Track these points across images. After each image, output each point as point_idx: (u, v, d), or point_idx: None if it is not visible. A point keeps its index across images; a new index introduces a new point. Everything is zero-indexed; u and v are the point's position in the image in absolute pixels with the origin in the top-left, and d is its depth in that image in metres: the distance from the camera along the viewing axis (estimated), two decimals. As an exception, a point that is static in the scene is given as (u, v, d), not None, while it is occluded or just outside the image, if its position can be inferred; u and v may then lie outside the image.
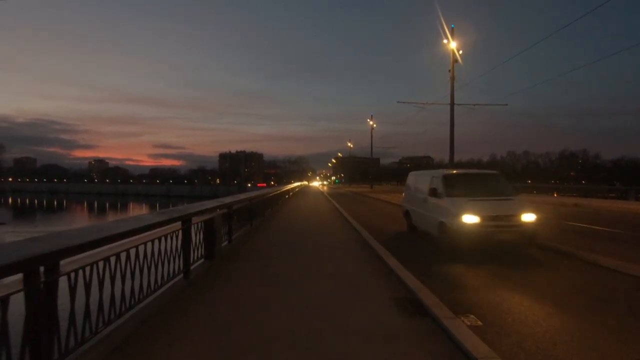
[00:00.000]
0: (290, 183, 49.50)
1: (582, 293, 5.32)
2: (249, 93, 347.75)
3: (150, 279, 4.10)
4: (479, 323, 4.05)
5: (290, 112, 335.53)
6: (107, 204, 68.92)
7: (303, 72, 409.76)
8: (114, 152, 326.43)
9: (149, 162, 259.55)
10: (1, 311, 2.11)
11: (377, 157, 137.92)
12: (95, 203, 72.21)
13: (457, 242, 7.62)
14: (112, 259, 3.34)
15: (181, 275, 5.08)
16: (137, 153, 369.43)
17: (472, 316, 4.24)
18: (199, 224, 6.07)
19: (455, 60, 20.98)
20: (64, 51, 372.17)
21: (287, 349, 3.32)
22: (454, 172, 9.84)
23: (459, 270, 6.55)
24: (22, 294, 2.28)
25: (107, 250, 3.26)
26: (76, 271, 2.80)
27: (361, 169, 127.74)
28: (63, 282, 2.68)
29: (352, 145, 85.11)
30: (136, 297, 3.79)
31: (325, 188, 69.13)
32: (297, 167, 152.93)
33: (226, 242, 7.93)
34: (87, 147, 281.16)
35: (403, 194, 12.29)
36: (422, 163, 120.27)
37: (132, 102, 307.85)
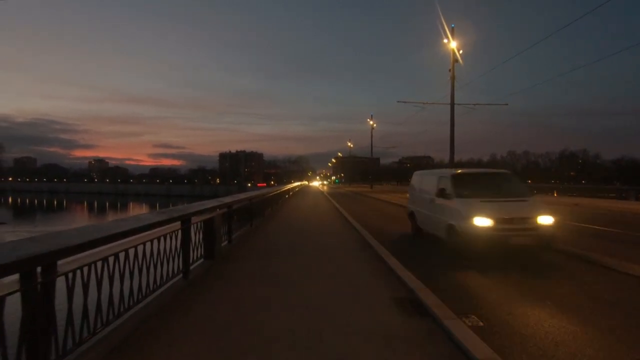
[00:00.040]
0: (290, 183, 49.47)
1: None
2: (249, 93, 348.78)
3: (149, 279, 4.07)
4: (481, 324, 4.03)
5: (290, 112, 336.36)
6: (107, 204, 68.87)
7: (303, 72, 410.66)
8: (114, 151, 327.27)
9: (149, 162, 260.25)
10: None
11: (377, 157, 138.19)
12: (95, 203, 72.16)
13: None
14: (111, 259, 3.31)
15: (180, 275, 5.05)
16: (137, 153, 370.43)
17: (473, 317, 4.21)
18: (199, 224, 6.05)
19: (456, 60, 20.94)
20: (64, 51, 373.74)
21: (287, 349, 3.30)
22: (464, 171, 9.26)
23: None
24: (19, 294, 2.26)
25: (105, 250, 3.23)
26: (74, 271, 2.77)
27: (361, 169, 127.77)
28: (61, 282, 2.65)
29: (352, 145, 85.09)
30: (135, 297, 3.77)
31: (325, 188, 69.07)
32: (297, 167, 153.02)
33: (226, 242, 7.91)
34: (87, 146, 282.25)
35: (407, 195, 12.07)
36: (422, 163, 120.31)
37: (132, 102, 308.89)
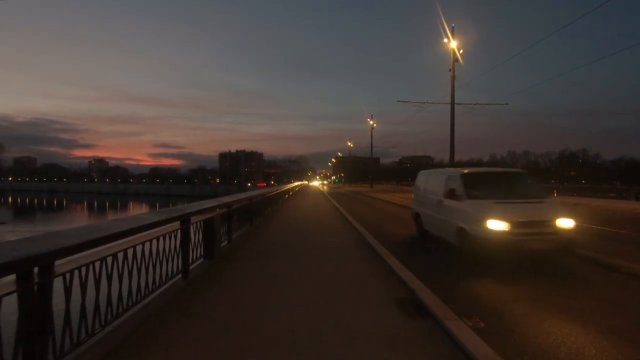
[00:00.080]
0: (290, 182, 49.48)
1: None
2: (249, 93, 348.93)
3: (148, 279, 4.05)
4: (482, 325, 4.01)
5: (290, 112, 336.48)
6: (107, 204, 68.89)
7: (303, 72, 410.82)
8: (114, 151, 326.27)
9: (149, 162, 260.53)
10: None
11: (377, 157, 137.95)
12: (95, 202, 72.17)
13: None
14: (109, 259, 3.28)
15: (180, 276, 5.03)
16: (137, 152, 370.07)
17: (475, 318, 4.19)
18: (198, 224, 6.02)
19: (456, 60, 20.91)
20: (64, 51, 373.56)
21: (287, 350, 3.28)
22: (474, 170, 8.79)
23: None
24: (15, 295, 2.23)
25: (104, 250, 3.21)
26: (72, 272, 2.75)
27: (361, 169, 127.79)
28: (58, 282, 2.63)
29: (352, 145, 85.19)
30: (134, 297, 3.74)
31: (325, 187, 69.07)
32: (297, 167, 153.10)
33: (226, 242, 7.88)
34: (87, 146, 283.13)
35: (408, 194, 11.96)
36: (422, 163, 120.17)
37: (132, 102, 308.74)
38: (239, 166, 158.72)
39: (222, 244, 7.28)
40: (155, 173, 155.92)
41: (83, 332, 2.88)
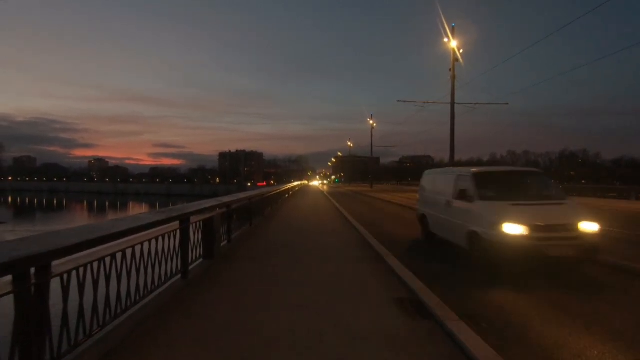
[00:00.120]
0: (290, 182, 49.45)
1: None
2: (249, 93, 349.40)
3: (147, 280, 4.03)
4: (483, 325, 3.99)
5: (290, 112, 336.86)
6: (107, 203, 68.82)
7: (303, 72, 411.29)
8: (114, 151, 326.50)
9: (148, 161, 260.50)
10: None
11: (377, 157, 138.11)
12: (95, 202, 72.13)
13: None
14: (108, 259, 3.26)
15: (179, 276, 5.01)
16: (137, 152, 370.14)
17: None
18: (198, 224, 6.00)
19: (456, 60, 20.87)
20: (64, 51, 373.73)
21: (287, 350, 3.26)
22: (487, 169, 8.31)
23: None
24: (11, 296, 2.21)
25: (102, 250, 3.19)
26: (69, 272, 2.72)
27: (361, 168, 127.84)
28: (56, 283, 2.60)
29: (352, 145, 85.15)
30: (132, 298, 3.72)
31: (325, 187, 69.03)
32: (297, 167, 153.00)
33: (225, 242, 7.86)
34: (87, 146, 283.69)
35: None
36: (422, 162, 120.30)
37: (132, 102, 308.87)
38: (239, 166, 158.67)
39: (221, 244, 7.26)
40: (155, 173, 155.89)
41: (81, 333, 2.86)
